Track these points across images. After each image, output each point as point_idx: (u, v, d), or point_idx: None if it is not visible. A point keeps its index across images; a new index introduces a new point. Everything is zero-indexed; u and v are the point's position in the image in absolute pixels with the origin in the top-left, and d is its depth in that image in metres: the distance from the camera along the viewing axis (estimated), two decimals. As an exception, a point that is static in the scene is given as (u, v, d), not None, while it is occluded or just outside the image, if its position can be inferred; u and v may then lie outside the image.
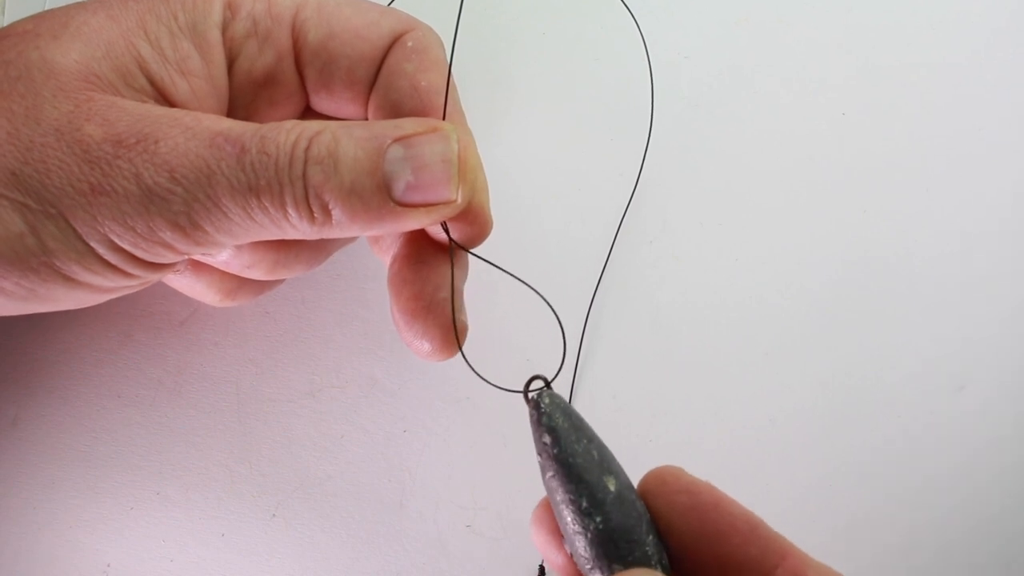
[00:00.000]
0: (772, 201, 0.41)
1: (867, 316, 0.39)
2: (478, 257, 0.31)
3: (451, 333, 0.30)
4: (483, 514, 0.35)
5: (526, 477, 0.37)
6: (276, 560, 0.35)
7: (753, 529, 0.24)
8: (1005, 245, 0.41)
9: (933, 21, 0.45)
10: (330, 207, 0.27)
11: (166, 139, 0.26)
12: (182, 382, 0.36)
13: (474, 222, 0.30)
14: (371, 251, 0.36)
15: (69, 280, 0.27)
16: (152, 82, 0.28)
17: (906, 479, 0.37)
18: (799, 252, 0.40)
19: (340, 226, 0.27)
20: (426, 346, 0.30)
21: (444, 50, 0.32)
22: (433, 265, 0.31)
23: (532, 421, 0.25)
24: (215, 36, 0.30)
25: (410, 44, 0.31)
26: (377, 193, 0.27)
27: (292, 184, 0.26)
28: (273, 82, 0.31)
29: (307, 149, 0.26)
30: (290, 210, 0.26)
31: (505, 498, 0.36)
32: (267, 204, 0.26)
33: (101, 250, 0.27)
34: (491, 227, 0.31)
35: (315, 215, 0.27)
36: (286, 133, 0.27)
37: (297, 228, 0.27)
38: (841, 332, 0.39)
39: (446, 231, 0.30)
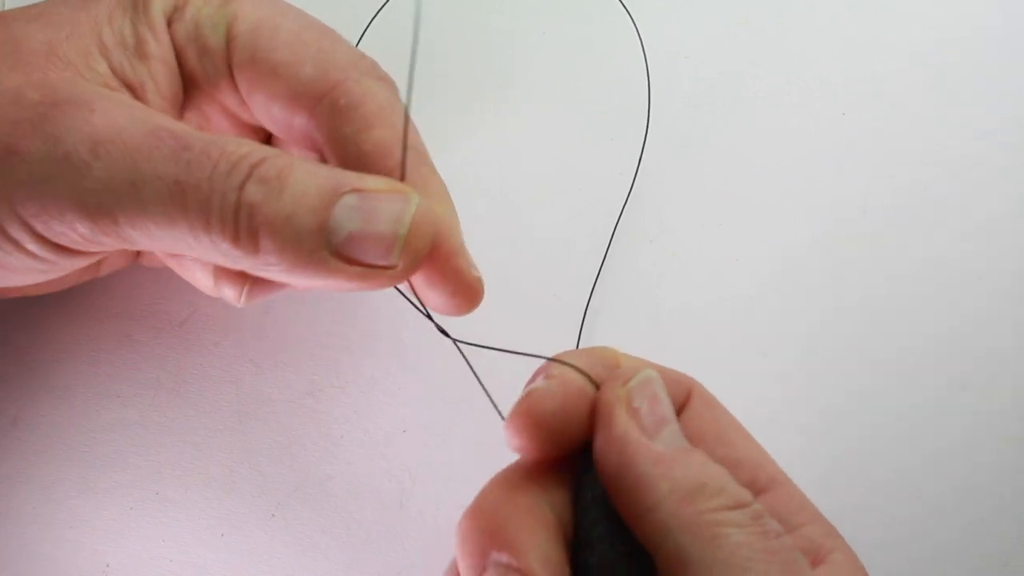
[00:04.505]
0: (772, 201, 0.41)
1: (867, 316, 0.39)
2: (462, 345, 0.28)
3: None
4: (483, 514, 0.35)
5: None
6: (276, 560, 0.35)
7: None
8: (1005, 244, 0.41)
9: (933, 21, 0.45)
10: (259, 234, 0.24)
11: (104, 112, 0.25)
12: (182, 382, 0.36)
13: (455, 293, 0.27)
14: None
15: None
16: (113, 69, 0.27)
17: (906, 479, 0.37)
18: (799, 252, 0.40)
19: (265, 259, 0.24)
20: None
21: (388, 90, 0.29)
22: None
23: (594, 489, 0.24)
24: (161, 24, 0.28)
25: (342, 102, 0.28)
26: (315, 235, 0.24)
27: (224, 195, 0.24)
28: (214, 98, 0.30)
29: (255, 165, 0.24)
30: (214, 222, 0.24)
31: (505, 498, 0.36)
32: (190, 209, 0.24)
33: (10, 227, 0.25)
34: (480, 296, 0.28)
35: (240, 237, 0.24)
36: (238, 145, 0.25)
37: (217, 248, 0.25)
38: (841, 332, 0.39)
39: (428, 315, 0.28)
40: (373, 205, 0.24)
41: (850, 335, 0.39)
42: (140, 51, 0.28)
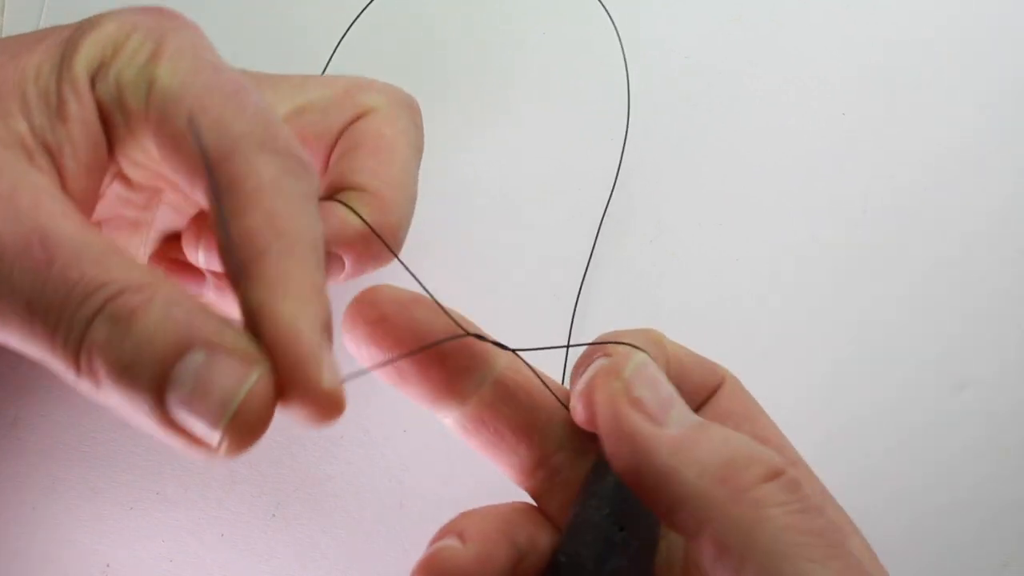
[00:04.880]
0: (772, 201, 0.41)
1: (867, 316, 0.39)
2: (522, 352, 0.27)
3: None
4: (483, 514, 0.35)
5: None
6: (276, 560, 0.35)
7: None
8: (1006, 244, 0.41)
9: (934, 20, 0.45)
10: (98, 376, 0.22)
11: None
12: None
13: (301, 404, 0.23)
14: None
15: None
16: (31, 128, 0.26)
17: (906, 479, 0.37)
18: (798, 252, 0.40)
19: (104, 398, 0.23)
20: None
21: (280, 167, 0.25)
22: None
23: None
24: (84, 82, 0.27)
25: (223, 181, 0.25)
26: (147, 388, 0.22)
27: (70, 327, 0.22)
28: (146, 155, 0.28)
29: (109, 298, 0.22)
30: (57, 352, 0.23)
31: (505, 498, 0.36)
32: (37, 332, 0.23)
33: None
34: (337, 409, 0.23)
35: (81, 372, 0.23)
36: (104, 269, 0.23)
37: (65, 374, 0.23)
38: (841, 332, 0.39)
39: (480, 336, 0.25)
40: (211, 372, 0.22)
41: (850, 335, 0.39)
42: (61, 112, 0.26)
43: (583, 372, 0.25)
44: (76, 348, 0.22)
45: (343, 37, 0.41)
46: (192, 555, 0.35)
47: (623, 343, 0.24)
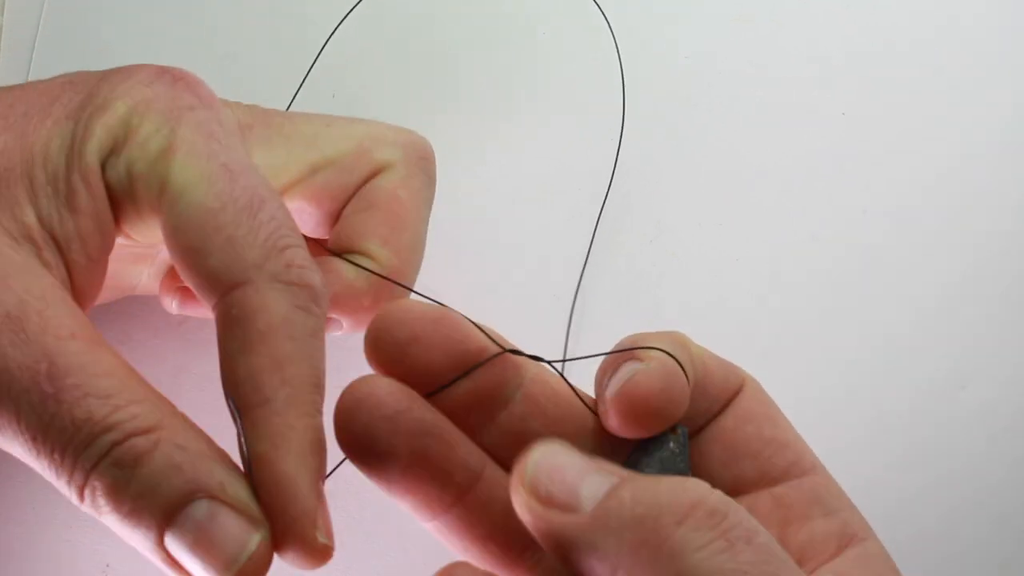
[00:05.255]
0: (772, 201, 0.41)
1: (867, 315, 0.39)
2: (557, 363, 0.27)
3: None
4: (483, 514, 0.35)
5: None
6: (276, 560, 0.35)
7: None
8: (1006, 244, 0.41)
9: (935, 20, 0.45)
10: (101, 509, 0.23)
11: None
12: (182, 382, 0.36)
13: (294, 556, 0.24)
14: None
15: None
16: (39, 218, 0.25)
17: (906, 479, 0.37)
18: (798, 252, 0.40)
19: (110, 525, 0.24)
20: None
21: (293, 301, 0.25)
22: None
23: (682, 451, 0.25)
24: (95, 168, 0.26)
25: (233, 312, 0.25)
26: (150, 532, 0.23)
27: (75, 465, 0.23)
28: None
29: (116, 443, 0.23)
30: (61, 484, 0.24)
31: (505, 498, 0.36)
32: (43, 457, 0.23)
33: None
34: (323, 560, 0.24)
35: (84, 503, 0.24)
36: (112, 409, 0.23)
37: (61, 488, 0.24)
38: (841, 332, 0.39)
39: (516, 351, 0.25)
40: (221, 522, 0.23)
41: (850, 335, 0.39)
42: (71, 202, 0.25)
43: (611, 377, 0.25)
44: (80, 485, 0.23)
45: (333, 32, 0.41)
46: (192, 555, 0.35)
47: (650, 347, 0.24)
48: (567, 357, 0.27)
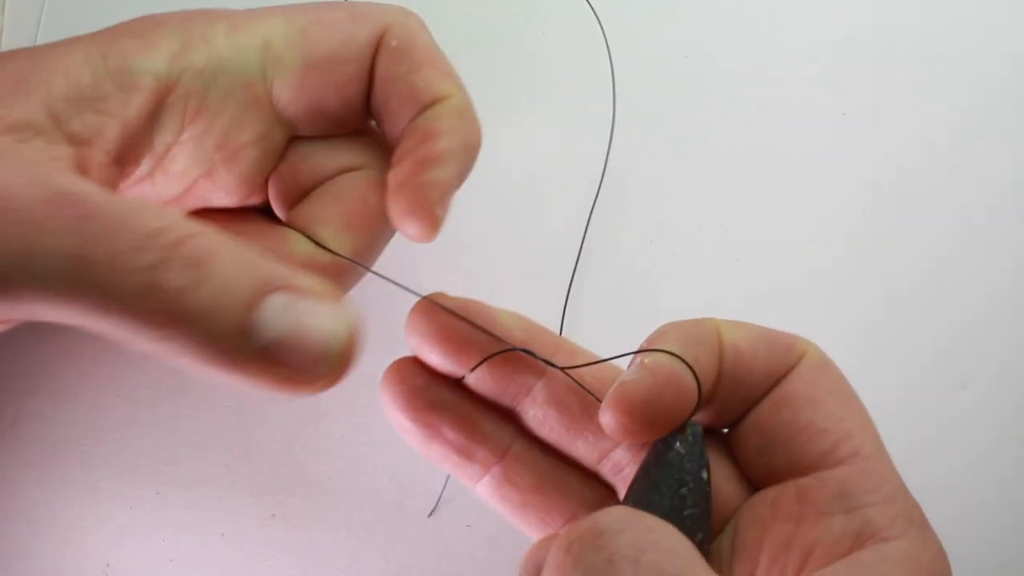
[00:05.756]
0: (772, 201, 0.41)
1: (867, 315, 0.39)
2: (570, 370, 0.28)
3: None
4: (483, 514, 0.35)
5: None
6: (276, 560, 0.35)
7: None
8: (1006, 244, 0.41)
9: (935, 20, 0.45)
10: (169, 325, 0.21)
11: (5, 169, 0.22)
12: (182, 382, 0.36)
13: (411, 212, 0.28)
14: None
15: None
16: (57, 122, 0.25)
17: (905, 479, 0.37)
18: (799, 252, 0.40)
19: (175, 351, 0.22)
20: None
21: (427, 30, 0.30)
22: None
23: (691, 452, 0.24)
24: (146, 83, 0.26)
25: (394, 44, 0.29)
26: (236, 335, 0.22)
27: (132, 275, 0.21)
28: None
29: (174, 244, 0.21)
30: (115, 304, 0.21)
31: (505, 498, 0.36)
32: (91, 287, 0.21)
33: None
34: (431, 232, 0.29)
35: (147, 324, 0.21)
36: (155, 215, 0.22)
37: (116, 329, 0.22)
38: (841, 332, 0.39)
39: (527, 352, 0.27)
40: (305, 311, 0.22)
41: (850, 335, 0.39)
42: (98, 106, 0.26)
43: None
44: (141, 298, 0.21)
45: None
46: (192, 555, 0.35)
47: (662, 351, 0.25)
48: (583, 364, 0.27)
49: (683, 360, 0.24)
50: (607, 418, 0.24)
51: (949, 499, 0.37)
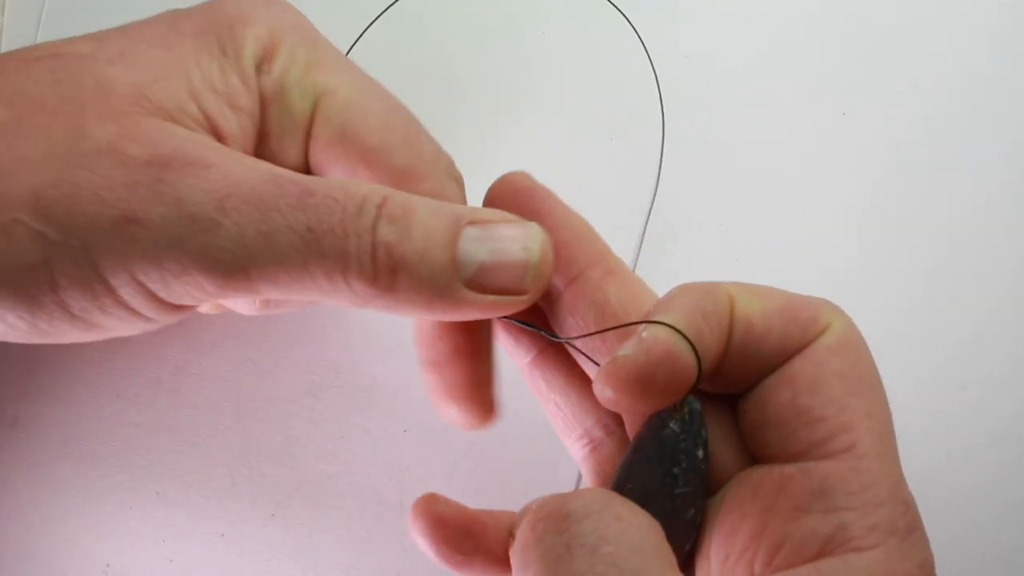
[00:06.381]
0: (772, 201, 0.41)
1: (868, 316, 0.39)
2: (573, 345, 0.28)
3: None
4: (483, 514, 0.35)
5: (527, 477, 0.37)
6: (276, 560, 0.35)
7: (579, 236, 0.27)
8: (1007, 243, 0.41)
9: (935, 21, 0.45)
10: (397, 273, 0.24)
11: (220, 166, 0.24)
12: (182, 382, 0.36)
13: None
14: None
15: (77, 319, 0.25)
16: (205, 114, 0.26)
17: (906, 479, 0.37)
18: (798, 252, 0.40)
19: (403, 297, 0.24)
20: (467, 421, 0.29)
21: (461, 192, 0.29)
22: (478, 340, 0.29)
23: (687, 431, 0.24)
24: (252, 73, 0.27)
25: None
26: (448, 269, 0.24)
27: (359, 236, 0.24)
28: (275, 159, 0.29)
29: (380, 205, 0.24)
30: (352, 265, 0.24)
31: (505, 499, 0.36)
32: (327, 255, 0.24)
33: (122, 290, 0.24)
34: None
35: (379, 277, 0.24)
36: (357, 185, 0.25)
37: (352, 290, 0.24)
38: (841, 332, 0.39)
39: (535, 327, 0.28)
40: (498, 234, 0.25)
41: (850, 335, 0.39)
42: (231, 100, 0.27)
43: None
44: (371, 256, 0.24)
45: (355, 42, 0.41)
46: (192, 555, 0.35)
47: (659, 322, 0.23)
48: (585, 334, 0.27)
49: (684, 335, 0.23)
50: (598, 389, 0.24)
51: (949, 499, 0.37)
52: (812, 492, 0.22)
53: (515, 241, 0.25)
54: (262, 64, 0.28)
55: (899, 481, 0.24)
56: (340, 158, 0.28)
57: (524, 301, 0.25)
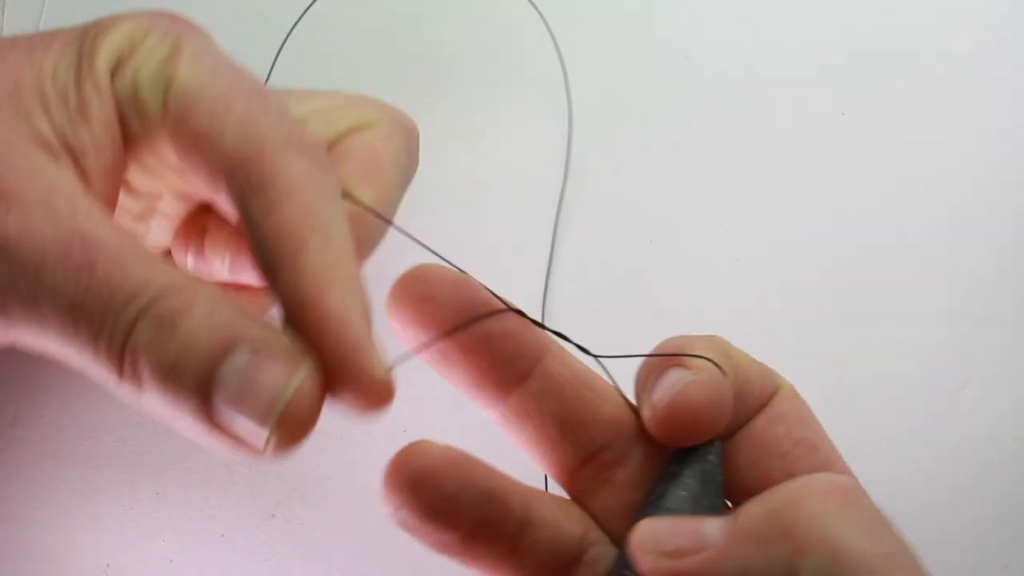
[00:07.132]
0: (771, 200, 0.41)
1: (867, 315, 0.39)
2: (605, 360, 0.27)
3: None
4: (483, 514, 0.35)
5: (528, 477, 0.37)
6: (276, 560, 0.35)
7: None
8: (1006, 243, 0.41)
9: (935, 21, 0.45)
10: (142, 378, 0.22)
11: (21, 208, 0.23)
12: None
13: (354, 395, 0.23)
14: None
15: None
16: (54, 129, 0.25)
17: (906, 479, 0.37)
18: (798, 252, 0.40)
19: (146, 400, 0.23)
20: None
21: (312, 162, 0.25)
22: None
23: (720, 462, 0.25)
24: (105, 79, 0.26)
25: (253, 177, 0.25)
26: (194, 390, 0.22)
27: (113, 331, 0.22)
28: (159, 158, 0.28)
29: (152, 300, 0.22)
30: (100, 355, 0.23)
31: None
32: (80, 334, 0.23)
33: None
34: (387, 398, 0.24)
35: (124, 376, 0.23)
36: (146, 270, 0.23)
37: (101, 374, 0.23)
38: (841, 332, 0.39)
39: (562, 336, 0.26)
40: (257, 369, 0.22)
41: (850, 335, 0.39)
42: (83, 112, 0.26)
43: (655, 382, 0.25)
44: (120, 351, 0.22)
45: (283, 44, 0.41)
46: (192, 555, 0.35)
47: (697, 355, 0.24)
48: (630, 355, 0.26)
49: (723, 371, 0.24)
50: (660, 421, 0.24)
51: (949, 499, 0.37)
52: None
53: (272, 378, 0.22)
54: (117, 66, 0.27)
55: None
56: (183, 152, 0.26)
57: (268, 450, 0.22)
